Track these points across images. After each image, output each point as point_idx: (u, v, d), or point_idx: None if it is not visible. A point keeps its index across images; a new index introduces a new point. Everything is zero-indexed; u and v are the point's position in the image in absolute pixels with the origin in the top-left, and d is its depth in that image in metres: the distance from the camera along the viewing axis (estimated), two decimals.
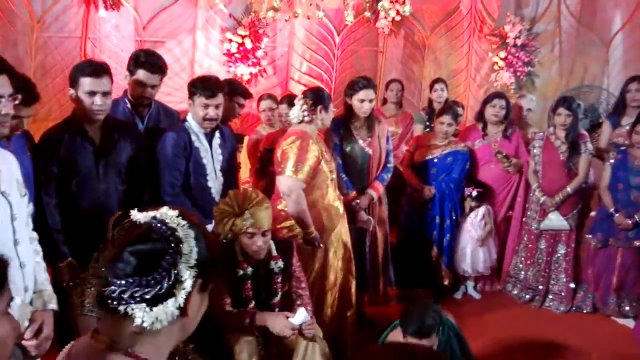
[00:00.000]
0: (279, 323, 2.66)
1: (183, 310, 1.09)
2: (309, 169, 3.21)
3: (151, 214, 1.16)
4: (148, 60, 3.10)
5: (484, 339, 3.85)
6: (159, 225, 1.11)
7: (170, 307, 1.07)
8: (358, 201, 3.77)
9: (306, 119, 3.30)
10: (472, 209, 4.49)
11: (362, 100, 3.71)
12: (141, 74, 3.12)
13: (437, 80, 5.52)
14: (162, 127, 3.21)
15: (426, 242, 4.43)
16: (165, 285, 1.06)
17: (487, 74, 6.66)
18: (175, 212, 1.16)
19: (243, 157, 4.46)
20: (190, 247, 1.11)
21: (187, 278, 1.08)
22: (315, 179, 3.29)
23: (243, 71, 5.51)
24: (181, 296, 1.08)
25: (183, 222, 1.14)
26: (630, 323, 4.22)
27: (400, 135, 5.27)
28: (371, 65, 6.56)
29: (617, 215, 4.18)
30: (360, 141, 3.84)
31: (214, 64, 5.64)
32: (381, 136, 3.93)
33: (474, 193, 4.41)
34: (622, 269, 4.27)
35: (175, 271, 1.07)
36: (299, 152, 3.18)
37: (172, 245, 1.08)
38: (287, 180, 3.19)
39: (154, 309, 1.06)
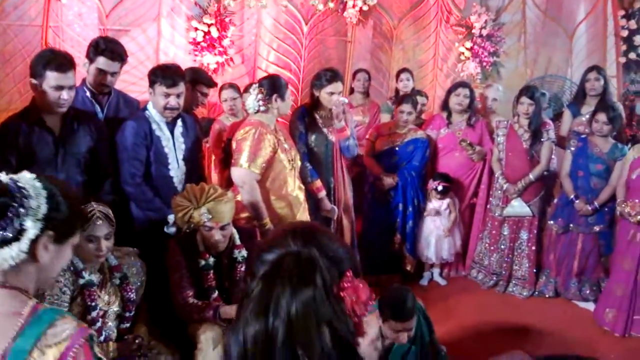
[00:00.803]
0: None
1: (33, 255, 1.32)
2: (262, 161, 3.19)
3: (14, 176, 1.37)
4: (108, 48, 3.05)
5: (449, 324, 3.92)
6: (11, 184, 1.33)
7: (15, 250, 1.29)
8: (324, 192, 3.79)
9: (262, 108, 3.28)
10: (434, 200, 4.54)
11: (332, 94, 3.72)
12: (101, 61, 3.07)
13: (403, 70, 5.55)
14: (122, 116, 3.16)
15: (390, 230, 4.48)
16: (9, 232, 1.28)
17: (454, 64, 6.70)
18: (32, 176, 1.37)
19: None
20: (38, 203, 1.32)
21: (32, 228, 1.30)
22: (272, 169, 3.29)
23: (209, 60, 5.45)
24: (24, 242, 1.30)
25: (37, 184, 1.35)
26: (590, 306, 4.34)
27: (367, 124, 5.29)
28: (339, 55, 6.55)
29: (577, 201, 4.28)
30: (325, 130, 3.85)
31: (180, 53, 5.56)
32: (347, 123, 3.94)
33: (440, 187, 4.46)
34: (583, 254, 4.38)
35: (20, 221, 1.29)
36: (253, 144, 3.17)
37: (18, 200, 1.30)
38: (240, 172, 3.18)
39: (1, 250, 1.28)
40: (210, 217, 2.66)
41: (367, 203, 4.62)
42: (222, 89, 4.66)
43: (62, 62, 2.66)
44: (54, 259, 1.38)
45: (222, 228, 2.73)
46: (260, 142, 3.18)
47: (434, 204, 4.53)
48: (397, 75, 5.52)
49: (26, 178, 1.36)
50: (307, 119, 3.82)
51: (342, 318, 0.96)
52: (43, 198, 1.34)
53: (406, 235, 4.52)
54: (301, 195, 3.46)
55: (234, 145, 3.26)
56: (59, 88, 2.65)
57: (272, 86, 3.30)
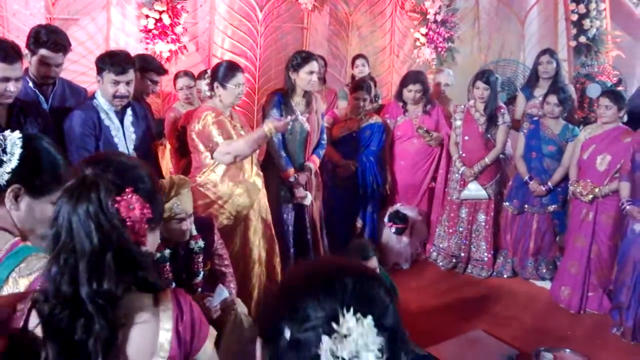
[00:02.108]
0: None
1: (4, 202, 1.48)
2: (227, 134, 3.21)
3: (6, 132, 1.50)
4: (50, 39, 2.91)
5: (410, 306, 3.96)
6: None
7: None
8: (296, 176, 3.77)
9: (207, 93, 3.30)
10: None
11: (311, 72, 3.70)
12: (43, 53, 2.93)
13: (358, 56, 5.54)
14: (68, 106, 3.04)
15: (351, 215, 4.47)
16: None
17: (410, 50, 6.72)
18: (19, 135, 1.50)
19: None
20: (10, 158, 1.46)
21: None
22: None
23: (162, 48, 5.30)
24: None
25: (19, 142, 1.48)
26: (547, 284, 4.45)
27: (325, 111, 5.25)
28: (296, 42, 6.49)
29: (531, 182, 4.37)
30: (300, 117, 3.80)
31: (131, 41, 5.40)
32: (318, 112, 3.94)
33: (393, 229, 4.54)
34: (538, 234, 4.48)
35: None
36: (216, 124, 3.17)
37: None
38: (220, 149, 3.18)
39: None
40: (181, 208, 2.60)
41: (326, 190, 4.60)
42: (176, 76, 4.57)
43: (8, 52, 2.52)
44: (29, 212, 1.51)
45: (190, 216, 2.68)
46: (221, 123, 3.19)
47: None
48: (353, 62, 5.52)
49: (10, 135, 1.50)
50: (283, 106, 3.77)
51: (115, 225, 1.17)
52: (16, 154, 1.46)
53: (366, 220, 4.53)
54: (259, 182, 3.42)
55: (194, 135, 3.21)
56: (5, 80, 2.52)
57: (213, 74, 3.28)
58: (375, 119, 4.55)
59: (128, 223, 1.19)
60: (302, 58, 3.72)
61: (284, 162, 3.77)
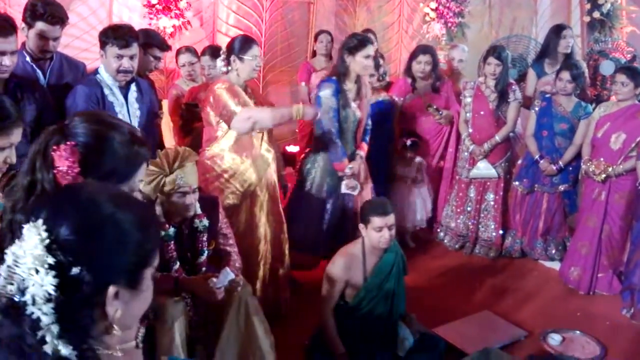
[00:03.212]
0: (203, 289, 2.55)
1: None
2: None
3: None
4: (47, 11, 2.83)
5: (417, 287, 3.91)
6: None
7: None
8: (351, 166, 3.68)
9: (223, 69, 3.20)
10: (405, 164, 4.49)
11: (368, 57, 3.57)
12: (40, 26, 2.86)
13: (367, 30, 5.41)
14: (66, 81, 2.98)
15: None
16: None
17: (419, 25, 6.60)
18: None
19: (166, 123, 4.21)
20: None
21: None
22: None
23: (166, 24, 5.23)
24: None
25: None
26: (556, 265, 4.38)
27: None
28: (302, 17, 6.38)
29: (542, 161, 4.28)
30: (353, 105, 3.69)
31: (135, 16, 5.32)
32: (367, 97, 3.86)
33: (409, 142, 4.40)
34: (548, 214, 4.42)
35: None
36: (231, 93, 3.09)
37: None
38: (238, 116, 3.08)
39: None
40: (185, 180, 2.55)
41: None
42: (178, 53, 4.47)
43: (2, 25, 2.46)
44: None
45: (194, 191, 2.62)
46: (236, 92, 3.11)
47: (405, 170, 4.48)
48: None
49: None
50: (340, 93, 3.61)
51: (46, 170, 1.31)
52: None
53: None
54: (268, 156, 3.35)
55: (211, 100, 3.14)
56: (0, 54, 2.46)
57: (229, 47, 3.20)
58: (384, 96, 4.46)
59: (55, 171, 1.27)
60: (359, 41, 3.57)
61: (340, 151, 3.64)
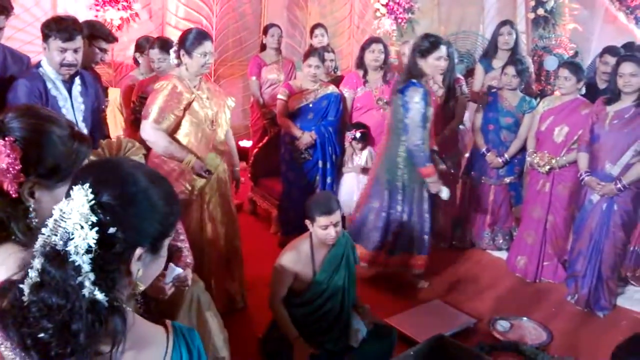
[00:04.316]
0: (154, 289, 2.49)
1: None
2: (174, 118, 3.09)
3: None
4: None
5: (370, 277, 3.95)
6: None
7: None
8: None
9: (175, 62, 3.14)
10: (355, 154, 4.51)
11: (439, 58, 3.55)
12: None
13: (317, 25, 5.43)
14: (10, 74, 2.86)
15: (310, 188, 4.41)
16: None
17: (370, 21, 6.66)
18: None
19: (111, 113, 4.11)
20: None
21: None
22: (191, 126, 3.16)
23: (113, 16, 5.11)
24: None
25: None
26: (503, 255, 4.52)
27: (283, 82, 5.16)
28: (254, 11, 6.35)
29: (488, 154, 4.40)
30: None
31: (81, 8, 5.17)
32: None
33: (358, 134, 4.42)
34: (495, 205, 4.54)
35: None
36: (166, 99, 3.03)
37: None
38: (149, 130, 3.05)
39: None
40: None
41: (285, 164, 4.53)
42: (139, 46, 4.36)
43: None
44: None
45: None
46: (172, 98, 3.05)
47: (354, 160, 4.50)
48: (311, 31, 5.40)
49: None
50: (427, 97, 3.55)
51: None
52: None
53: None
54: (217, 157, 3.31)
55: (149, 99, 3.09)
56: None
57: (180, 41, 3.12)
58: (332, 89, 4.47)
59: None
60: (431, 43, 3.52)
61: (425, 157, 3.58)
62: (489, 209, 4.55)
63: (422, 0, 6.66)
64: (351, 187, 4.52)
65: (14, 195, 1.25)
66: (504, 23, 4.79)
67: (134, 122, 4.00)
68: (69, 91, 2.89)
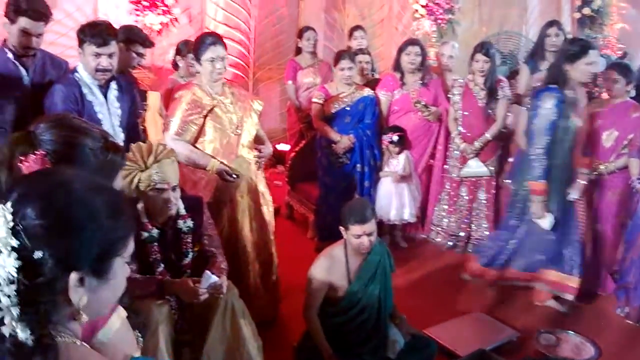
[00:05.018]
0: (186, 292, 2.48)
1: None
2: (195, 128, 3.08)
3: None
4: (30, 7, 2.75)
5: (409, 287, 3.88)
6: None
7: None
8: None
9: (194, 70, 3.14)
10: (392, 157, 4.43)
11: (591, 63, 3.35)
12: (23, 22, 2.77)
13: (357, 27, 5.35)
14: (49, 79, 2.89)
15: (348, 193, 4.34)
16: None
17: (409, 22, 6.55)
18: None
19: (150, 117, 4.12)
20: None
21: None
22: (214, 132, 3.13)
23: (152, 20, 5.16)
24: None
25: None
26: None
27: (319, 86, 5.10)
28: (291, 14, 6.33)
29: None
30: (573, 114, 3.41)
31: (121, 13, 5.25)
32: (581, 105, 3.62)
33: (395, 138, 4.34)
34: None
35: None
36: (186, 111, 3.04)
37: None
38: (170, 142, 3.02)
39: None
40: (162, 177, 2.46)
41: (321, 168, 4.48)
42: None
43: None
44: None
45: (174, 189, 2.54)
46: (192, 109, 3.05)
47: (392, 165, 4.41)
48: (351, 33, 5.32)
49: None
50: (563, 104, 3.34)
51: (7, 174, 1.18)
52: None
53: (363, 196, 4.40)
54: (245, 164, 3.26)
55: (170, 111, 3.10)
56: None
57: (192, 47, 3.10)
58: (368, 92, 4.40)
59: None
60: (581, 47, 3.34)
61: (539, 171, 3.33)
62: None
63: (463, 1, 6.52)
64: (389, 192, 4.44)
65: None
66: (550, 24, 4.62)
67: None
68: (105, 96, 2.89)
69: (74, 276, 0.88)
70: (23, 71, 2.89)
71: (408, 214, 4.51)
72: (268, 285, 3.44)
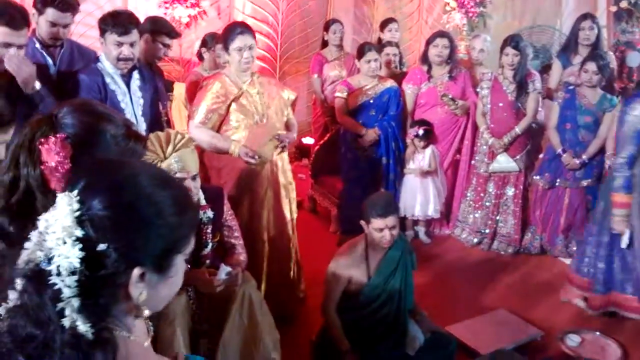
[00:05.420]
0: (203, 283, 2.48)
1: None
2: (218, 117, 3.10)
3: None
4: None
5: (433, 283, 3.82)
6: None
7: None
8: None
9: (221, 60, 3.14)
10: (417, 152, 4.37)
11: None
12: (51, 13, 2.80)
13: (390, 20, 5.29)
14: (77, 69, 2.92)
15: (372, 186, 4.29)
16: None
17: (439, 15, 6.46)
18: None
19: (176, 107, 4.14)
20: None
21: None
22: (235, 117, 3.13)
23: (181, 13, 5.20)
24: None
25: None
26: None
27: (342, 80, 5.05)
28: (320, 7, 6.29)
29: (564, 155, 4.13)
30: None
31: (151, 6, 5.29)
32: None
33: (421, 132, 4.28)
34: (570, 210, 4.26)
35: None
36: (212, 100, 3.05)
37: None
38: (193, 129, 3.07)
39: None
40: (182, 166, 2.47)
41: (345, 162, 4.44)
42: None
43: (14, 17, 2.38)
44: None
45: (193, 178, 2.54)
46: (218, 98, 3.05)
47: (417, 159, 4.36)
48: (384, 26, 5.24)
49: None
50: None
51: (32, 165, 1.21)
52: None
53: (388, 188, 4.35)
54: (268, 154, 3.25)
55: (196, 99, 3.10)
56: (7, 45, 2.39)
57: (220, 37, 3.11)
58: (391, 83, 4.35)
59: (43, 167, 1.06)
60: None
61: (624, 182, 3.21)
62: (564, 213, 4.27)
63: None
64: (414, 188, 4.39)
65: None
66: (584, 17, 4.49)
67: None
68: (128, 85, 2.91)
69: (136, 271, 0.87)
70: (50, 61, 2.93)
71: (432, 210, 4.44)
72: (287, 281, 3.42)
